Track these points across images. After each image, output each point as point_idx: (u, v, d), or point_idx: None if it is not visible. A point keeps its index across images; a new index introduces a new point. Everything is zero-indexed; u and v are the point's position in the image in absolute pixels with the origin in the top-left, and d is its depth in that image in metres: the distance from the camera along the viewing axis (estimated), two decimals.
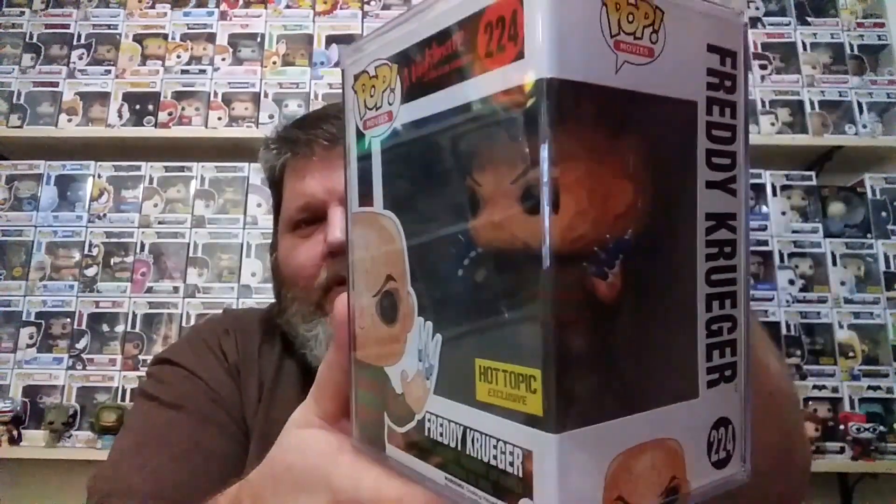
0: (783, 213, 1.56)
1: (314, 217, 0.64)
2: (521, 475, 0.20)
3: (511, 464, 0.20)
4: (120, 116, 1.64)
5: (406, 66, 0.24)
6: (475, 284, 0.21)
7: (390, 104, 0.24)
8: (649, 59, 0.21)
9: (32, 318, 1.52)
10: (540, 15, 0.19)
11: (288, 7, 1.71)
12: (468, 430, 0.22)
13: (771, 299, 1.51)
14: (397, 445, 0.24)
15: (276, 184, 0.70)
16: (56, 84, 1.67)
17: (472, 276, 0.21)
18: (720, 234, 0.24)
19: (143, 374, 1.44)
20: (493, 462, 0.21)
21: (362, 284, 0.24)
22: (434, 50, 0.23)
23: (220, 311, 1.46)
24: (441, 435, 0.22)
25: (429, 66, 0.23)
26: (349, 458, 0.26)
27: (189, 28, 1.70)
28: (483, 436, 0.21)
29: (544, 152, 0.19)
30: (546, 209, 0.19)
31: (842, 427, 1.42)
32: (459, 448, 0.22)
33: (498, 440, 0.21)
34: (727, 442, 0.24)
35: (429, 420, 0.23)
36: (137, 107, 1.65)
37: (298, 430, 0.29)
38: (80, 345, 1.50)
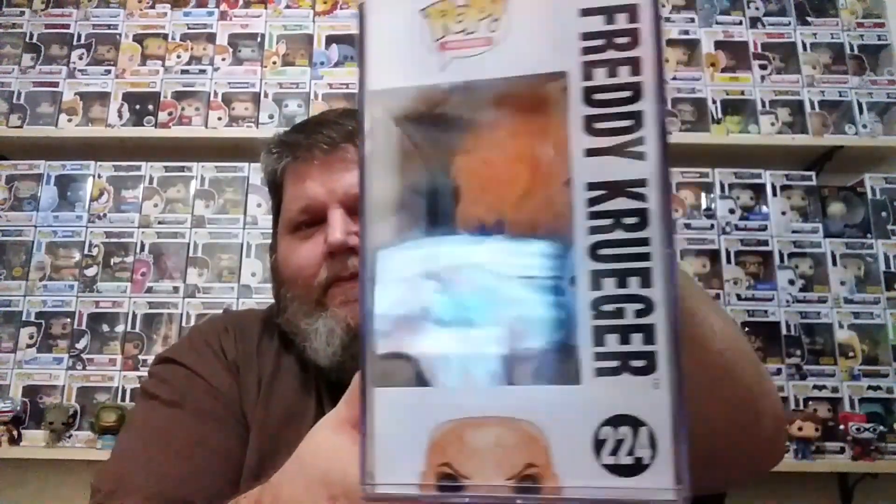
0: (783, 213, 1.56)
1: (314, 219, 0.65)
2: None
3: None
4: (120, 116, 1.64)
5: None
6: None
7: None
8: (487, 47, 0.23)
9: (32, 318, 1.52)
10: (367, 34, 0.24)
11: (288, 7, 1.71)
12: None
13: (771, 299, 1.51)
14: None
15: (276, 187, 0.71)
16: (56, 84, 1.67)
17: None
18: (614, 203, 0.22)
19: (144, 373, 1.45)
20: None
21: None
22: None
23: (221, 311, 1.48)
24: None
25: None
26: (349, 453, 0.27)
27: (189, 28, 1.70)
28: None
29: (361, 153, 0.23)
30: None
31: (842, 427, 1.42)
32: None
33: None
34: (636, 446, 0.21)
35: None
36: (137, 107, 1.65)
37: (316, 432, 0.30)
38: (80, 345, 1.50)
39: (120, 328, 1.51)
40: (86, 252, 1.56)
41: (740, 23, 1.68)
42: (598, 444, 0.21)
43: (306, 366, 0.66)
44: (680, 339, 0.20)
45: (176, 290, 1.53)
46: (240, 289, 1.52)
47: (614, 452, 0.21)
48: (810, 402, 1.45)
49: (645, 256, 0.21)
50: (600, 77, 0.22)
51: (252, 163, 1.57)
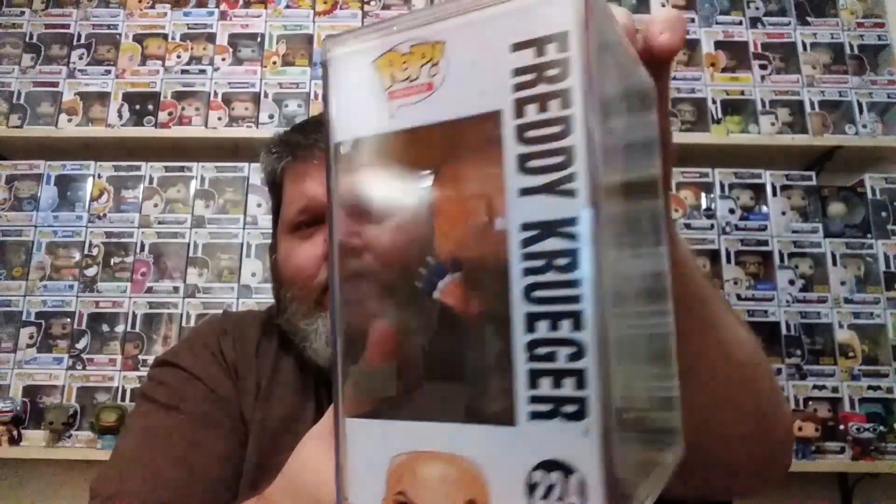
0: (783, 213, 1.56)
1: (314, 219, 0.65)
2: None
3: None
4: (120, 116, 1.64)
5: None
6: None
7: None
8: (428, 92, 0.24)
9: (32, 318, 1.52)
10: (330, 88, 0.26)
11: (288, 7, 1.71)
12: None
13: (771, 299, 1.51)
14: None
15: (276, 187, 0.71)
16: (56, 84, 1.67)
17: None
18: (546, 243, 0.21)
19: (144, 374, 1.45)
20: None
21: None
22: None
23: (220, 311, 1.48)
24: None
25: None
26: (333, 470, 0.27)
27: (189, 28, 1.70)
28: None
29: (329, 203, 0.25)
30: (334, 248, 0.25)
31: (842, 427, 1.42)
32: None
33: None
34: (567, 493, 0.20)
35: None
36: (137, 107, 1.65)
37: (302, 447, 0.30)
38: (80, 345, 1.50)
39: (120, 328, 1.51)
40: (86, 252, 1.56)
41: (740, 23, 1.68)
42: (531, 488, 0.21)
43: (305, 367, 0.66)
44: (610, 384, 0.20)
45: (176, 290, 1.53)
46: (240, 289, 1.52)
47: (545, 497, 0.21)
48: (810, 402, 1.45)
49: (576, 299, 0.20)
50: (532, 113, 0.22)
51: (252, 163, 1.57)
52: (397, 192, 0.25)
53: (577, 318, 0.20)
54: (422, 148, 0.24)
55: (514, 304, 0.21)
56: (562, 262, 0.21)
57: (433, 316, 0.23)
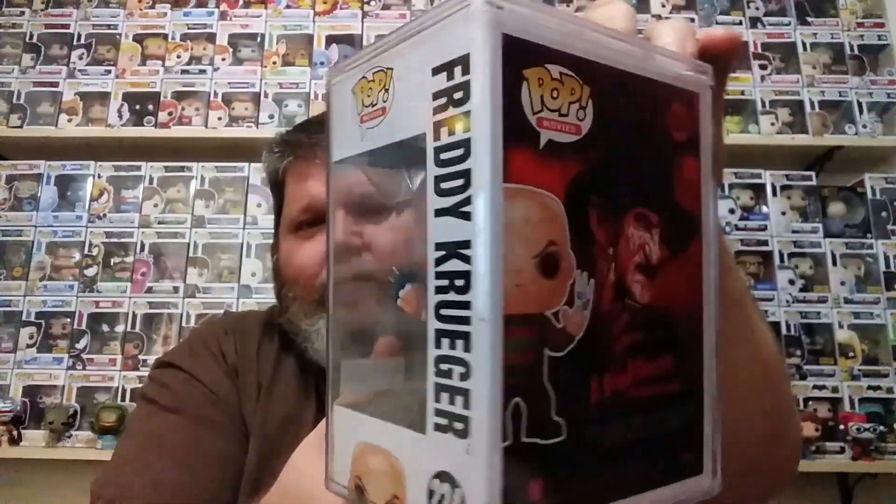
0: (783, 213, 1.56)
1: (316, 219, 0.65)
2: None
3: None
4: (120, 116, 1.64)
5: None
6: None
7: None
8: (382, 117, 0.26)
9: (32, 318, 1.52)
10: (330, 110, 0.29)
11: (288, 7, 1.71)
12: None
13: (771, 299, 1.51)
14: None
15: (278, 186, 0.71)
16: (56, 84, 1.67)
17: None
18: (450, 265, 0.22)
19: (143, 374, 1.45)
20: None
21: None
22: None
23: (221, 311, 1.48)
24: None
25: None
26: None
27: (189, 28, 1.70)
28: None
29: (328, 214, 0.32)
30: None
31: (842, 427, 1.42)
32: None
33: None
34: None
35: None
36: (137, 107, 1.65)
37: (297, 453, 0.31)
38: (80, 345, 1.50)
39: (120, 328, 1.51)
40: (86, 252, 1.56)
41: (740, 23, 1.68)
42: (430, 494, 0.22)
43: (306, 367, 0.66)
44: (498, 405, 0.21)
45: (176, 290, 1.53)
46: (240, 289, 1.52)
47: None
48: (810, 402, 1.45)
49: (466, 320, 0.21)
50: (444, 136, 0.22)
51: (252, 163, 1.57)
52: (372, 209, 0.29)
53: (466, 340, 0.21)
54: (382, 172, 0.28)
55: (429, 320, 0.23)
56: (459, 283, 0.22)
57: (395, 322, 0.27)
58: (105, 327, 1.52)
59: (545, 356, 0.23)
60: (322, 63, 1.66)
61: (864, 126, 1.60)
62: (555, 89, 0.23)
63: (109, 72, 1.67)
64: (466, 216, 0.21)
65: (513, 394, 0.22)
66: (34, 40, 1.71)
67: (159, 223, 1.57)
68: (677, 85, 0.27)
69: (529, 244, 0.22)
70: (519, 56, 0.22)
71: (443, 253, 0.22)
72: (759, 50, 1.66)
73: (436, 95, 0.23)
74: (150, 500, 0.54)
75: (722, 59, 0.31)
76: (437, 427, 0.22)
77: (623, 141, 0.26)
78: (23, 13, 1.72)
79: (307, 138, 0.67)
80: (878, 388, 1.46)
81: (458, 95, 0.22)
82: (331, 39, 1.68)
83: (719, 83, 0.31)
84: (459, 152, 0.22)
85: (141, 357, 1.49)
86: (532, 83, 0.22)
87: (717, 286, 0.28)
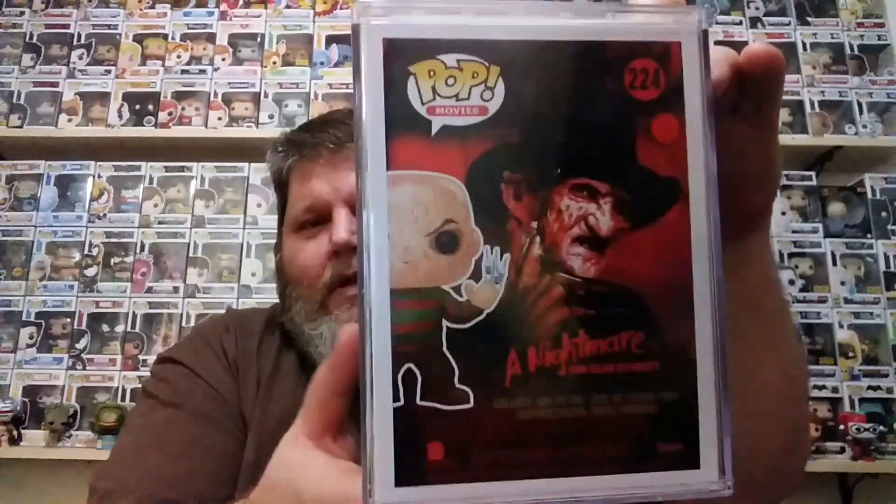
0: (783, 213, 1.56)
1: (319, 218, 0.65)
2: None
3: None
4: (120, 116, 1.64)
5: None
6: None
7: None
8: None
9: (32, 318, 1.52)
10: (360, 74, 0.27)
11: (288, 7, 1.71)
12: None
13: None
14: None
15: (281, 186, 0.71)
16: (56, 84, 1.67)
17: None
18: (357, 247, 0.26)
19: (144, 374, 1.45)
20: None
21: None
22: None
23: (221, 311, 1.48)
24: None
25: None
26: (319, 469, 0.28)
27: (189, 28, 1.70)
28: None
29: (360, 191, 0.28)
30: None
31: (842, 427, 1.42)
32: None
33: None
34: None
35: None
36: (137, 107, 1.65)
37: (282, 448, 0.31)
38: (80, 345, 1.50)
39: (120, 328, 1.51)
40: (86, 252, 1.56)
41: (740, 23, 1.68)
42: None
43: (306, 365, 0.66)
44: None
45: (176, 290, 1.53)
46: (240, 289, 1.52)
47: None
48: (810, 402, 1.45)
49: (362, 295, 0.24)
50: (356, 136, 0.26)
51: (252, 163, 1.57)
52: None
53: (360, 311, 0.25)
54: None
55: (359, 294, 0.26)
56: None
57: None
58: (105, 327, 1.52)
59: (444, 327, 0.24)
60: (322, 63, 1.66)
61: (864, 126, 1.60)
62: (450, 77, 0.24)
63: (109, 72, 1.67)
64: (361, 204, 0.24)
65: (404, 360, 0.24)
66: (34, 40, 1.70)
67: (159, 223, 1.57)
68: (640, 40, 0.26)
69: (420, 223, 0.24)
70: (403, 55, 0.24)
71: (355, 236, 0.25)
72: None
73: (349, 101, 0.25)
74: (147, 493, 0.54)
75: (761, 84, 0.30)
76: (363, 387, 0.24)
77: (550, 112, 0.25)
78: (23, 13, 1.72)
79: (311, 138, 0.67)
80: (878, 388, 1.46)
81: (355, 101, 0.24)
82: (331, 39, 1.68)
83: (764, 108, 0.30)
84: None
85: (141, 357, 1.49)
86: (421, 76, 0.24)
87: (718, 256, 0.26)
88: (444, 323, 0.24)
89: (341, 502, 0.26)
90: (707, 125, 0.26)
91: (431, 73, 0.24)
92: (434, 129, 0.24)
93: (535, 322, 0.25)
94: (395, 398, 0.24)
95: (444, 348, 0.24)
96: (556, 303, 0.25)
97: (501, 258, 0.24)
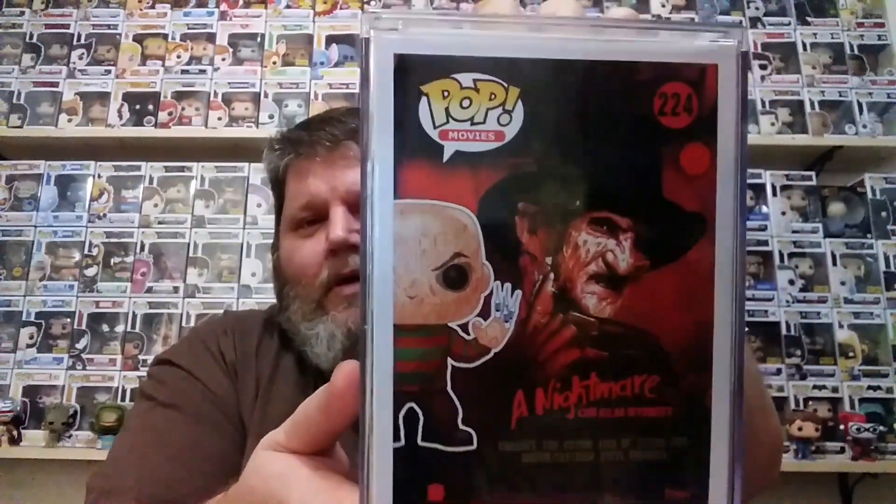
0: (783, 213, 1.56)
1: (316, 216, 0.65)
2: None
3: None
4: (120, 116, 1.64)
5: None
6: None
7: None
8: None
9: (32, 318, 1.52)
10: (368, 89, 0.24)
11: (288, 7, 1.71)
12: None
13: (771, 299, 1.51)
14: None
15: (278, 184, 0.71)
16: (56, 84, 1.66)
17: None
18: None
19: (143, 374, 1.45)
20: None
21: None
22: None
23: (221, 311, 1.48)
24: None
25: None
26: (302, 482, 0.27)
27: (189, 28, 1.70)
28: None
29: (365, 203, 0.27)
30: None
31: (842, 427, 1.42)
32: None
33: None
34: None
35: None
36: (137, 107, 1.65)
37: (261, 452, 0.29)
38: (80, 345, 1.50)
39: (120, 328, 1.51)
40: (86, 252, 1.56)
41: (740, 23, 1.68)
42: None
43: (305, 367, 0.66)
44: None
45: (176, 290, 1.53)
46: (240, 289, 1.52)
47: None
48: (810, 402, 1.45)
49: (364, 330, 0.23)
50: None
51: (252, 163, 1.57)
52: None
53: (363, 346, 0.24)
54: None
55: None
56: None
57: None
58: (105, 327, 1.52)
59: (449, 366, 0.23)
60: (322, 63, 1.66)
61: (864, 126, 1.60)
62: (466, 98, 0.23)
63: (109, 72, 1.67)
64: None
65: (406, 399, 0.23)
66: (34, 40, 1.70)
67: (159, 223, 1.57)
68: (674, 61, 0.24)
69: (427, 257, 0.23)
70: (415, 73, 0.22)
71: (353, 234, 0.25)
72: (759, 50, 1.66)
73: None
74: (143, 494, 0.55)
75: None
76: (363, 425, 0.23)
77: (571, 140, 0.24)
78: (23, 13, 1.72)
79: (308, 136, 0.67)
80: (878, 388, 1.46)
81: (362, 121, 0.23)
82: (331, 39, 1.68)
83: None
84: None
85: (141, 357, 1.49)
86: (434, 97, 0.22)
87: (741, 298, 0.24)
88: (450, 362, 0.23)
89: None
90: (741, 157, 0.24)
91: (445, 94, 0.23)
92: (446, 156, 0.23)
93: (545, 363, 0.23)
94: (396, 438, 0.23)
95: (449, 388, 0.23)
96: (567, 343, 0.24)
97: (512, 295, 0.23)
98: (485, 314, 0.23)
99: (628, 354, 0.24)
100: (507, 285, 0.23)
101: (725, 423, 0.24)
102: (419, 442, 0.23)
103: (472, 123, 0.23)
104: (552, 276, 0.23)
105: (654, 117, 0.23)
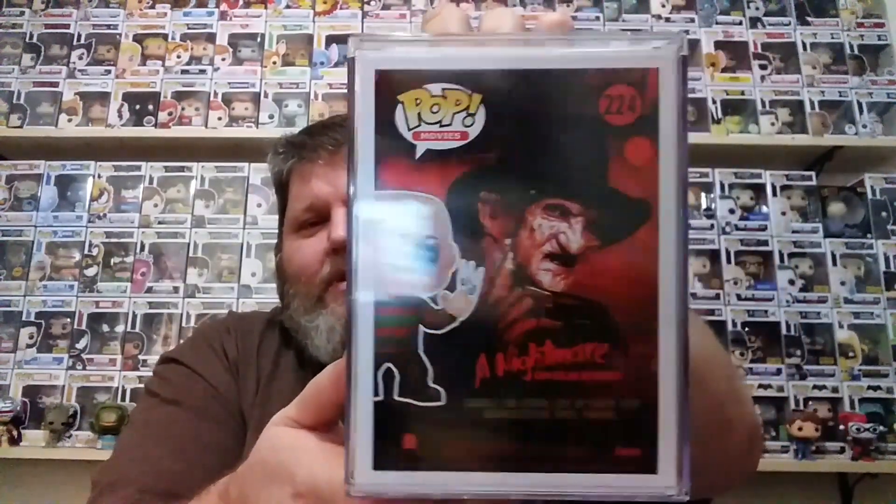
0: (783, 213, 1.56)
1: (318, 217, 0.68)
2: None
3: None
4: (120, 116, 1.64)
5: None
6: None
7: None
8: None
9: (32, 318, 1.52)
10: (355, 100, 0.28)
11: (288, 7, 1.71)
12: None
13: (771, 299, 1.51)
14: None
15: (282, 187, 0.74)
16: (56, 84, 1.67)
17: None
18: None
19: (143, 374, 1.45)
20: None
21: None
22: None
23: (220, 311, 1.48)
24: None
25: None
26: (310, 452, 0.29)
27: (189, 28, 1.70)
28: None
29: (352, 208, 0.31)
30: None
31: (842, 427, 1.42)
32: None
33: None
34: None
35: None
36: (137, 107, 1.65)
37: (272, 427, 0.31)
38: (80, 345, 1.50)
39: (120, 328, 1.51)
40: (86, 252, 1.56)
41: (740, 23, 1.68)
42: None
43: (305, 363, 0.68)
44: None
45: (176, 290, 1.53)
46: (240, 289, 1.52)
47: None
48: (810, 402, 1.45)
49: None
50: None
51: (252, 163, 1.57)
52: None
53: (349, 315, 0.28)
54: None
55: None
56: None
57: None
58: (105, 327, 1.52)
59: (420, 332, 0.27)
60: (322, 63, 1.66)
61: (864, 126, 1.60)
62: (435, 105, 0.27)
63: (109, 72, 1.67)
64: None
65: (384, 360, 0.27)
66: (34, 40, 1.71)
67: (159, 223, 1.57)
68: (618, 67, 0.27)
69: (403, 238, 0.27)
70: (392, 85, 0.27)
71: (348, 246, 0.27)
72: (759, 50, 1.66)
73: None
74: (144, 487, 0.56)
75: None
76: (348, 382, 0.27)
77: (527, 137, 0.27)
78: (23, 13, 1.72)
79: (311, 140, 0.70)
80: (878, 388, 1.46)
81: (349, 126, 0.27)
82: (331, 39, 1.68)
83: None
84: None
85: (141, 357, 1.49)
86: (408, 105, 0.27)
87: (683, 275, 0.27)
88: (421, 328, 0.27)
89: (334, 481, 0.27)
90: (681, 148, 0.27)
91: (418, 102, 0.27)
92: (418, 153, 0.27)
93: (505, 330, 0.27)
94: (376, 393, 0.26)
95: (420, 351, 0.27)
96: (524, 314, 0.27)
97: (476, 271, 0.27)
98: (451, 287, 0.27)
99: (580, 324, 0.27)
100: (472, 263, 0.27)
101: (672, 388, 0.27)
102: (395, 397, 0.26)
103: (441, 126, 0.27)
104: (511, 255, 0.27)
105: (600, 116, 0.27)
